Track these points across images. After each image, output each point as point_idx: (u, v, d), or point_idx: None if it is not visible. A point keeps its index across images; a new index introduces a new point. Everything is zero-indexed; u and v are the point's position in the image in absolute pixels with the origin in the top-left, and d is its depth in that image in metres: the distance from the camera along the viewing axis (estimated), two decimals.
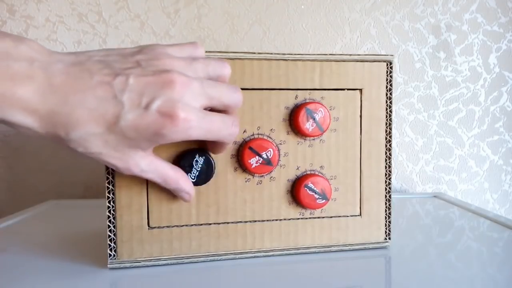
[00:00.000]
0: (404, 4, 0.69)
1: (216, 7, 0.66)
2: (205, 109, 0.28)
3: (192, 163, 0.32)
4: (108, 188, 0.31)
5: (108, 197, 0.32)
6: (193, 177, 0.32)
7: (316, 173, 0.35)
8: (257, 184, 0.34)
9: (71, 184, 0.67)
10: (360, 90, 0.36)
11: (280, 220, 0.35)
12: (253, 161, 0.33)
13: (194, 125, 0.26)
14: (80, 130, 0.25)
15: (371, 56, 0.36)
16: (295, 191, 0.35)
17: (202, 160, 0.32)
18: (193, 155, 0.32)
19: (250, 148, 0.33)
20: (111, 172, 0.31)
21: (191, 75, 0.27)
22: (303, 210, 0.35)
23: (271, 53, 0.33)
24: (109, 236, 0.32)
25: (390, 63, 0.36)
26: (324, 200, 0.35)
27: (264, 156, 0.33)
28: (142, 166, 0.28)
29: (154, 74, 0.26)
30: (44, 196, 0.66)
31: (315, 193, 0.34)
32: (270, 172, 0.34)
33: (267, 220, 0.35)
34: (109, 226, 0.32)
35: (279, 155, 0.34)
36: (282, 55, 0.34)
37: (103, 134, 0.25)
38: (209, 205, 0.34)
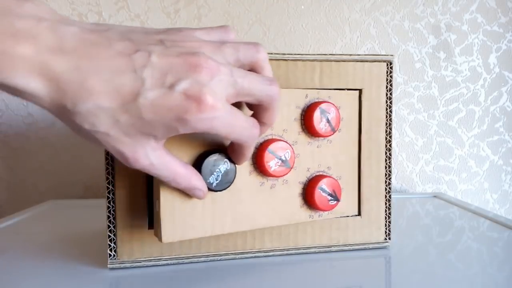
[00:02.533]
0: (404, 4, 0.69)
1: (216, 7, 0.66)
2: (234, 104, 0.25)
3: (214, 167, 0.28)
4: (108, 188, 0.31)
5: (108, 197, 0.32)
6: (212, 183, 0.28)
7: (325, 174, 0.35)
8: (271, 188, 0.33)
9: (71, 184, 0.67)
10: (360, 90, 0.36)
11: (293, 224, 0.34)
12: (272, 164, 0.31)
13: (220, 115, 0.23)
14: (90, 102, 0.21)
15: (371, 56, 0.36)
16: (308, 193, 0.33)
17: (224, 164, 0.29)
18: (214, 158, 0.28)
19: (268, 150, 0.31)
20: (111, 172, 0.31)
21: (220, 61, 0.24)
22: (313, 213, 0.34)
23: (271, 53, 0.33)
24: (109, 236, 0.32)
25: (390, 63, 0.36)
26: (335, 201, 0.34)
27: (283, 157, 0.31)
28: (152, 158, 0.24)
29: (179, 55, 0.23)
30: (44, 196, 0.66)
31: (328, 194, 0.33)
32: (286, 174, 0.33)
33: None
34: (109, 226, 0.32)
35: (294, 156, 0.33)
36: (282, 55, 0.34)
37: (115, 111, 0.22)
38: None
